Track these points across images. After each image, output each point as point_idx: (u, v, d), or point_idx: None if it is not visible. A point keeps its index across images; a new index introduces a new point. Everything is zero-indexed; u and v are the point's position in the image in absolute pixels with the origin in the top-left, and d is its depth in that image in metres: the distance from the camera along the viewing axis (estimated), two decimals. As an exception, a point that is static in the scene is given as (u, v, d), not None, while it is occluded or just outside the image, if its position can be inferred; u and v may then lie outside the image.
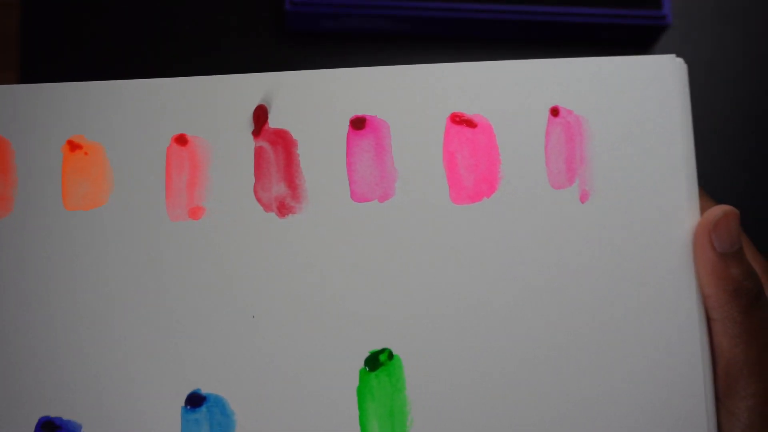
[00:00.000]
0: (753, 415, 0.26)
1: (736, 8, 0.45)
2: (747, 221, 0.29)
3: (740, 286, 0.26)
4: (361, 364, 0.26)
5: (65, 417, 0.25)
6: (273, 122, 0.26)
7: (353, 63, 0.39)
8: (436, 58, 0.41)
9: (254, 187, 0.26)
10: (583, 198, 0.26)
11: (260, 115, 0.26)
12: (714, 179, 0.44)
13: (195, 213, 0.26)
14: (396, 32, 0.43)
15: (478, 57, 0.40)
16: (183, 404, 0.25)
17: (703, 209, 0.27)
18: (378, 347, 0.26)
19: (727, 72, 0.45)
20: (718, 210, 0.26)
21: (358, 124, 0.26)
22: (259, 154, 0.26)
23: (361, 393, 0.25)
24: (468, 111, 0.27)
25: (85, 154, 0.26)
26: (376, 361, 0.26)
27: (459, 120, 0.26)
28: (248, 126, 0.26)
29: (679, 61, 0.27)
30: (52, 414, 0.25)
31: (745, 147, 0.45)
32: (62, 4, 0.43)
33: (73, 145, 0.26)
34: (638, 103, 0.27)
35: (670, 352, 0.26)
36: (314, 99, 0.26)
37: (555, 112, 0.27)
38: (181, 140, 0.26)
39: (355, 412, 0.25)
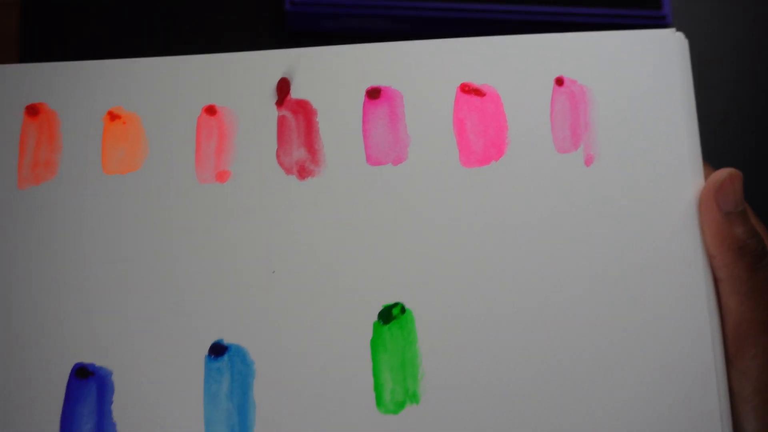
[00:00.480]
0: (764, 373, 0.26)
1: (735, 8, 0.46)
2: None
3: (745, 245, 0.26)
4: (375, 317, 0.27)
5: (97, 364, 0.26)
6: (295, 93, 0.28)
7: None
8: None
9: (277, 152, 0.28)
10: (588, 161, 0.28)
11: (283, 87, 0.28)
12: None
13: (222, 176, 0.28)
14: (396, 32, 0.43)
15: None
16: (206, 353, 0.26)
17: (705, 177, 0.28)
18: (391, 302, 0.27)
19: (727, 72, 0.45)
20: (723, 172, 0.27)
21: (374, 94, 0.28)
22: (281, 122, 0.28)
23: (375, 345, 0.27)
24: (477, 81, 0.28)
25: (124, 123, 0.28)
26: (389, 314, 0.27)
27: (468, 89, 0.28)
28: (272, 97, 0.28)
29: (680, 34, 0.28)
30: (86, 361, 0.26)
31: (745, 147, 0.45)
32: (62, 4, 0.42)
33: (112, 116, 0.28)
34: (640, 74, 0.28)
35: (678, 314, 0.27)
36: (333, 72, 0.28)
37: (560, 81, 0.28)
38: (211, 110, 0.28)
39: (369, 364, 0.26)
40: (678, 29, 0.42)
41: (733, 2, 0.46)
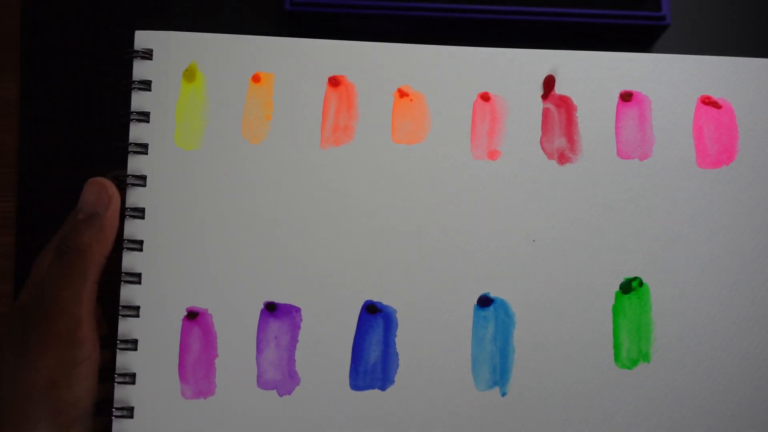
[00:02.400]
0: None
1: (734, 8, 0.44)
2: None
3: None
4: (617, 287, 0.32)
5: (384, 302, 0.31)
6: (558, 90, 0.33)
7: None
8: None
9: (540, 139, 0.32)
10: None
11: (549, 83, 0.33)
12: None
13: (493, 155, 0.32)
14: (396, 32, 0.42)
15: None
16: (476, 303, 0.31)
17: None
18: (631, 276, 0.32)
19: None
20: None
21: (627, 97, 0.33)
22: (546, 113, 0.33)
23: (616, 310, 0.32)
24: (714, 95, 0.33)
25: (411, 100, 0.32)
26: (629, 286, 0.32)
27: (708, 101, 0.33)
28: (539, 90, 0.33)
29: None
30: (374, 299, 0.31)
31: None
32: (62, 5, 0.42)
33: (402, 93, 0.33)
34: None
35: None
36: (591, 74, 0.33)
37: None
38: (485, 97, 0.33)
39: (610, 326, 0.32)
40: (677, 29, 0.43)
41: (732, 2, 0.44)
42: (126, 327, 0.30)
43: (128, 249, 0.30)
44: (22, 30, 0.42)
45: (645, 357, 0.31)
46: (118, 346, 0.30)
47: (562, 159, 0.32)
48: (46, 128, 0.41)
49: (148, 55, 0.31)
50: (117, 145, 0.31)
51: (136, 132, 0.31)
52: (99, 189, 0.30)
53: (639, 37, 0.42)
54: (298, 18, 0.40)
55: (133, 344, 0.30)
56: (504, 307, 0.31)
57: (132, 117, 0.31)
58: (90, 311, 0.29)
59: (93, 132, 0.41)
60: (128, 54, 0.31)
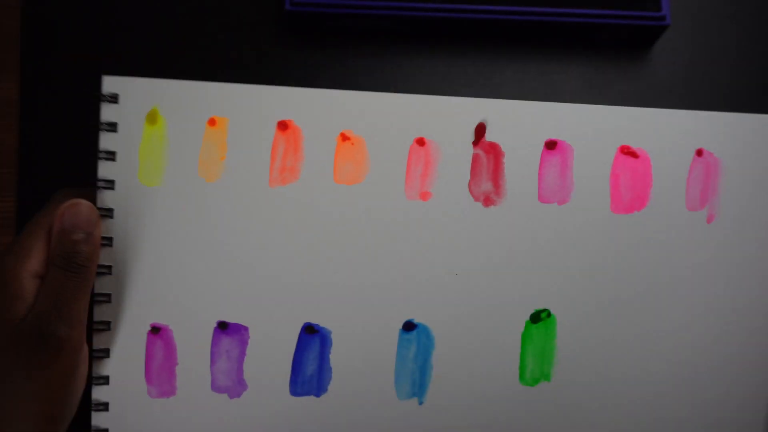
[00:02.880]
0: None
1: (734, 9, 0.44)
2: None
3: None
4: (528, 317, 0.36)
5: (322, 324, 0.36)
6: (488, 137, 0.36)
7: (353, 63, 0.42)
8: (436, 58, 0.43)
9: (469, 182, 0.36)
10: (709, 220, 0.36)
11: (480, 130, 0.36)
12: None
13: (425, 196, 0.36)
14: (396, 32, 0.42)
15: (479, 58, 0.42)
16: (401, 327, 0.36)
17: None
18: (541, 308, 0.36)
19: (726, 72, 0.44)
20: None
21: (551, 145, 0.36)
22: (475, 159, 0.36)
23: (524, 337, 0.36)
24: (633, 145, 0.36)
25: (352, 144, 0.36)
26: (538, 317, 0.36)
27: (627, 151, 0.36)
28: (470, 137, 0.36)
29: None
30: (312, 321, 0.36)
31: None
32: (62, 5, 0.42)
33: (344, 137, 0.36)
34: (762, 153, 0.35)
35: None
36: (520, 123, 0.36)
37: (700, 152, 0.35)
38: (420, 142, 0.36)
39: (518, 351, 0.36)
40: (677, 29, 0.43)
41: (732, 2, 0.44)
42: (99, 339, 0.35)
43: (99, 273, 0.35)
44: (22, 30, 0.42)
45: (546, 377, 0.36)
46: (93, 355, 0.36)
47: (488, 202, 0.36)
48: (46, 128, 0.41)
49: (114, 99, 0.35)
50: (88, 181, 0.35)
51: (104, 169, 0.35)
52: (89, 210, 0.33)
53: (638, 38, 0.43)
54: (299, 18, 0.41)
55: (105, 353, 0.36)
56: (426, 331, 0.36)
57: (100, 156, 0.35)
58: (83, 320, 0.33)
59: (93, 132, 0.40)
60: (95, 98, 0.35)
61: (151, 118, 0.35)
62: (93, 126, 0.39)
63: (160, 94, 0.35)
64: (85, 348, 0.33)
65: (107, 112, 0.35)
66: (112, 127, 0.35)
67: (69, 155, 0.41)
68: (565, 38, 0.42)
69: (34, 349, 0.32)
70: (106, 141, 0.35)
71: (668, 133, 0.36)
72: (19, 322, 0.32)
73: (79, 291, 0.33)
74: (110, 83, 0.35)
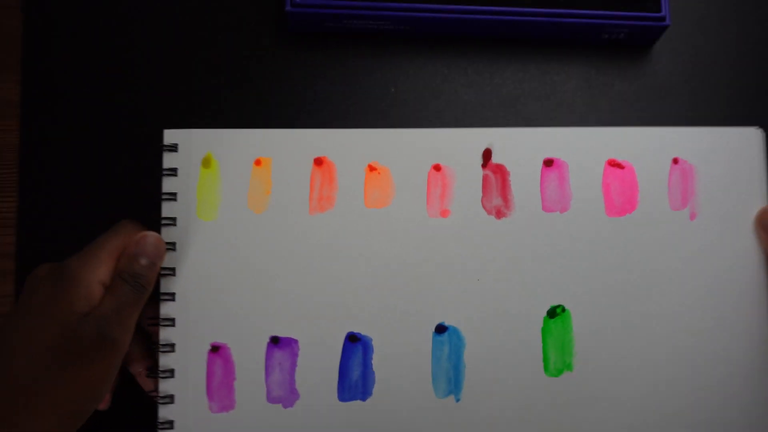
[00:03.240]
0: None
1: (734, 9, 0.45)
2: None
3: None
4: (545, 313, 0.41)
5: (363, 333, 0.40)
6: (495, 159, 0.42)
7: (354, 63, 0.43)
8: (436, 58, 0.43)
9: (481, 199, 0.41)
10: (692, 217, 0.41)
11: (487, 154, 0.42)
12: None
13: (444, 213, 0.41)
14: (396, 33, 0.42)
15: (478, 58, 0.43)
16: (433, 330, 0.40)
17: None
18: (556, 304, 0.41)
19: (726, 72, 0.45)
20: None
21: (549, 163, 0.42)
22: (485, 178, 0.42)
23: (544, 332, 0.41)
24: (619, 158, 0.42)
25: (378, 173, 0.42)
26: (554, 312, 0.41)
27: (613, 164, 0.42)
28: (479, 161, 0.42)
29: (759, 131, 0.42)
30: (355, 330, 0.40)
31: None
32: (63, 6, 0.42)
33: (371, 168, 0.42)
34: (731, 158, 0.41)
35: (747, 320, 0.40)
36: (521, 146, 0.42)
37: (676, 160, 0.42)
38: (437, 168, 0.42)
39: (540, 345, 0.40)
40: (676, 30, 0.44)
41: (731, 3, 0.45)
42: (165, 360, 0.39)
43: (163, 300, 0.40)
44: (22, 30, 0.42)
45: (568, 367, 0.40)
46: (159, 375, 0.39)
47: (499, 214, 0.41)
48: (46, 128, 0.42)
49: (174, 148, 0.41)
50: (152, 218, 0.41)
51: (167, 208, 0.40)
52: (159, 243, 0.38)
53: (639, 38, 0.43)
54: (299, 18, 0.42)
55: (170, 373, 0.39)
56: (456, 333, 0.40)
57: (163, 197, 0.40)
58: (131, 330, 0.37)
59: (93, 132, 0.43)
60: (158, 148, 0.41)
61: (206, 162, 0.41)
62: (93, 125, 0.42)
63: (212, 141, 0.41)
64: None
65: (168, 159, 0.41)
66: (173, 171, 0.40)
67: (69, 155, 0.42)
68: (565, 38, 0.43)
69: (89, 346, 0.34)
70: (167, 184, 0.40)
71: (647, 146, 0.42)
72: (80, 319, 0.35)
73: (137, 305, 0.37)
74: (170, 135, 0.41)
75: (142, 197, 0.41)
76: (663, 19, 0.42)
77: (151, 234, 0.38)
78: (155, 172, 0.41)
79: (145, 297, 0.38)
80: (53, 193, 0.42)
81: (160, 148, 0.40)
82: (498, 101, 0.43)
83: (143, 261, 0.38)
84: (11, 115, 0.42)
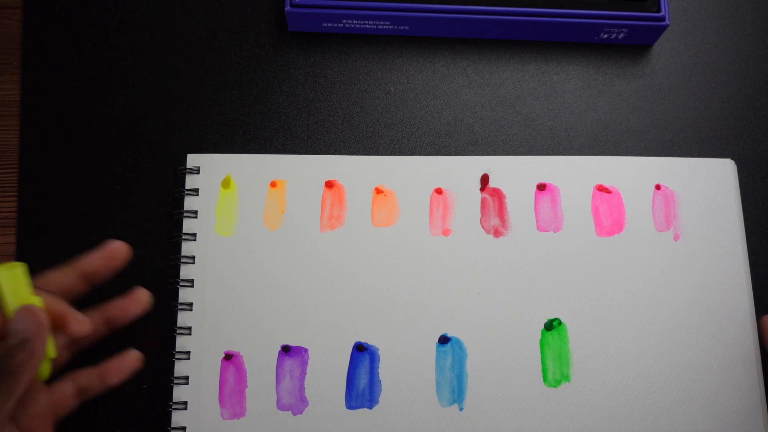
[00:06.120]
0: None
1: (733, 9, 0.45)
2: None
3: None
4: (542, 326, 0.43)
5: (370, 343, 0.42)
6: (492, 184, 0.45)
7: (353, 63, 0.43)
8: (435, 58, 0.44)
9: (480, 219, 0.45)
10: (676, 238, 0.44)
11: (485, 179, 0.45)
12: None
13: (446, 232, 0.44)
14: (396, 33, 0.43)
15: (478, 58, 0.44)
16: (437, 341, 0.43)
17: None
18: (553, 317, 0.43)
19: (725, 72, 0.45)
20: None
21: (542, 187, 0.45)
22: (483, 201, 0.45)
23: (542, 344, 0.43)
24: (606, 184, 0.45)
25: (385, 195, 0.45)
26: (551, 325, 0.43)
27: (601, 188, 0.45)
28: (477, 185, 0.45)
29: (731, 162, 0.46)
30: (362, 340, 0.42)
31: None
32: (63, 6, 0.42)
33: (378, 190, 0.45)
34: (707, 186, 0.45)
35: (728, 314, 0.43)
36: (516, 173, 0.45)
37: (658, 186, 0.45)
38: (439, 191, 0.45)
39: (538, 356, 0.43)
40: (676, 30, 0.45)
41: (730, 3, 0.45)
42: (180, 367, 0.41)
43: (181, 309, 0.42)
44: (23, 31, 0.42)
45: (566, 378, 0.42)
46: (174, 382, 0.41)
47: (497, 234, 0.44)
48: (46, 128, 0.42)
49: (196, 171, 0.44)
50: (172, 235, 0.43)
51: (188, 225, 0.43)
52: (32, 317, 0.31)
53: (638, 38, 0.44)
54: (299, 19, 0.42)
55: (185, 379, 0.41)
56: (458, 343, 0.43)
57: (184, 215, 0.43)
58: (3, 423, 0.30)
59: (93, 132, 0.43)
60: (181, 171, 0.44)
61: (225, 183, 0.44)
62: (93, 125, 0.42)
63: (232, 165, 0.44)
64: None
65: (191, 181, 0.44)
66: (195, 192, 0.44)
67: (69, 155, 0.42)
68: (565, 38, 0.43)
69: None
70: (189, 203, 0.44)
71: (632, 173, 0.46)
72: None
73: (8, 394, 0.30)
74: (193, 159, 0.44)
75: (142, 197, 0.43)
76: (662, 19, 0.42)
77: (28, 307, 0.32)
78: (153, 171, 0.42)
79: (15, 386, 0.30)
80: (53, 193, 0.41)
81: (158, 148, 0.42)
82: (497, 101, 0.46)
83: (12, 341, 0.31)
84: (11, 115, 0.42)
